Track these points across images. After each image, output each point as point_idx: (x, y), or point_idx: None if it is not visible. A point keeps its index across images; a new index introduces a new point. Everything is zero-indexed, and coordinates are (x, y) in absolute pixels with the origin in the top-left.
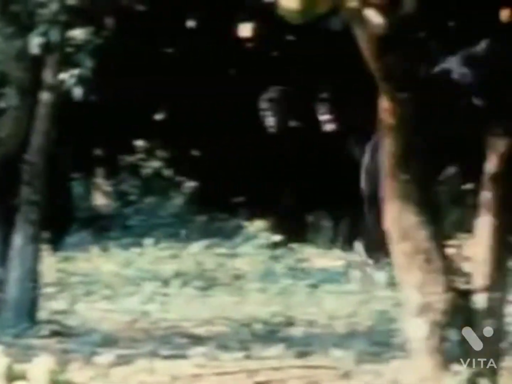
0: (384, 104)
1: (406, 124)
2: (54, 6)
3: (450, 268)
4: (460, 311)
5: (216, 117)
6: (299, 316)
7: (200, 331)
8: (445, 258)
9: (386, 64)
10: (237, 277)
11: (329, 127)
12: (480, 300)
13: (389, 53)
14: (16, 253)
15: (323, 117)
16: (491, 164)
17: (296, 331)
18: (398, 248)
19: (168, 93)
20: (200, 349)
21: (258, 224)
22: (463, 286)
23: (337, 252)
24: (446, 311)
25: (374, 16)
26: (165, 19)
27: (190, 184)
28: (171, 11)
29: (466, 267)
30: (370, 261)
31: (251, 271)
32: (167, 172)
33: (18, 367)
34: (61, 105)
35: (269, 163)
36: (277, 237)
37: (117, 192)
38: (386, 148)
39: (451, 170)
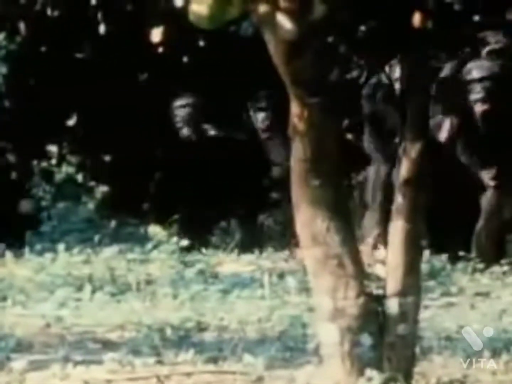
0: (294, 108)
1: (316, 129)
2: None
3: (362, 273)
4: (372, 316)
5: (128, 123)
6: (210, 322)
7: (112, 336)
8: (357, 263)
9: (295, 69)
10: (149, 282)
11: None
12: (393, 305)
13: (299, 58)
14: None
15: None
16: (403, 169)
17: (208, 337)
18: (309, 253)
19: (80, 98)
20: (112, 355)
21: (169, 230)
22: (376, 291)
23: (248, 257)
24: (359, 316)
25: (284, 21)
26: (77, 24)
27: (102, 189)
28: (83, 17)
29: (379, 271)
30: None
31: (162, 277)
32: (79, 177)
33: None
34: None
35: (180, 167)
36: (188, 243)
37: (30, 197)
38: (296, 153)
39: (363, 174)
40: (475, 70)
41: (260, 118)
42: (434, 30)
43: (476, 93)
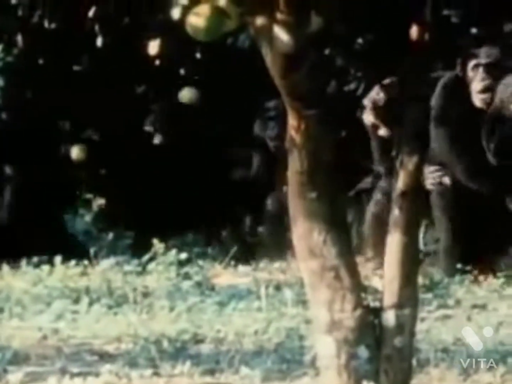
0: (291, 121)
1: (313, 142)
2: None
3: (359, 285)
4: (369, 329)
5: (124, 134)
6: (207, 334)
7: (109, 348)
8: (354, 275)
9: (292, 82)
10: (145, 294)
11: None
12: (390, 317)
13: (295, 70)
14: None
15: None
16: (400, 182)
17: (204, 349)
18: (306, 266)
19: (77, 110)
20: (109, 367)
21: (165, 242)
22: (372, 303)
23: (245, 269)
24: (355, 328)
25: (281, 34)
26: (75, 37)
27: (99, 202)
28: (81, 29)
29: (376, 284)
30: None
31: (159, 289)
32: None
33: None
34: None
35: (174, 180)
36: (184, 255)
37: None
38: (293, 165)
39: (360, 186)
40: None
41: (269, 127)
42: (431, 42)
43: None
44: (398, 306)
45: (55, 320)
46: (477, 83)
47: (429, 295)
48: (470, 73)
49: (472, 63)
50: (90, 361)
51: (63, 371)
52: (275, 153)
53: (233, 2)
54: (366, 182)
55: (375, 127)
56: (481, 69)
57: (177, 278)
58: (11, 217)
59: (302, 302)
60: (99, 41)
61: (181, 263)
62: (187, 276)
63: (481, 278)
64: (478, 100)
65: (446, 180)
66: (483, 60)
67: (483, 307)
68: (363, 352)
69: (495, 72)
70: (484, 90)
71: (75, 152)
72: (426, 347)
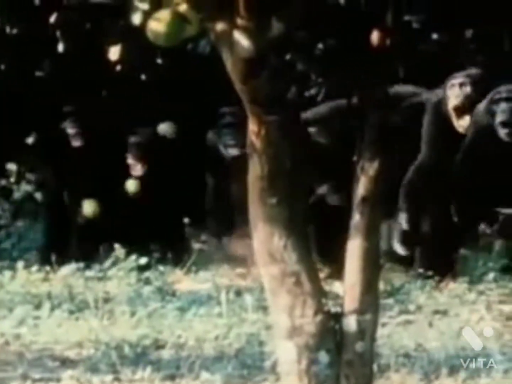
0: (251, 126)
1: (274, 147)
2: None
3: (320, 291)
4: (330, 334)
5: (86, 141)
6: (168, 339)
7: (71, 354)
8: (314, 280)
9: (253, 87)
10: (106, 300)
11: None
12: (351, 323)
13: (256, 76)
14: None
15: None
16: (361, 187)
17: (165, 354)
18: (267, 271)
19: (39, 116)
20: (70, 372)
21: (126, 247)
22: (333, 309)
23: (205, 274)
24: (316, 333)
25: (241, 39)
26: (36, 42)
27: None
28: (42, 35)
29: (337, 289)
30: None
31: (120, 294)
32: (39, 196)
33: None
34: None
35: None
36: (145, 260)
37: None
38: (253, 170)
39: (320, 191)
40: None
41: (226, 135)
42: (392, 48)
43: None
44: (359, 311)
45: (17, 326)
46: (451, 101)
47: (391, 301)
48: (447, 93)
49: (449, 82)
50: (52, 367)
51: (24, 377)
52: (232, 162)
53: (194, 7)
54: (324, 188)
55: None
56: (456, 88)
57: (138, 284)
58: None
59: (262, 307)
60: (60, 47)
61: (141, 268)
62: (147, 282)
63: (442, 284)
64: (455, 121)
65: None
66: (458, 79)
67: (444, 312)
68: (323, 357)
69: (472, 93)
70: (458, 109)
71: (87, 208)
72: (387, 352)
